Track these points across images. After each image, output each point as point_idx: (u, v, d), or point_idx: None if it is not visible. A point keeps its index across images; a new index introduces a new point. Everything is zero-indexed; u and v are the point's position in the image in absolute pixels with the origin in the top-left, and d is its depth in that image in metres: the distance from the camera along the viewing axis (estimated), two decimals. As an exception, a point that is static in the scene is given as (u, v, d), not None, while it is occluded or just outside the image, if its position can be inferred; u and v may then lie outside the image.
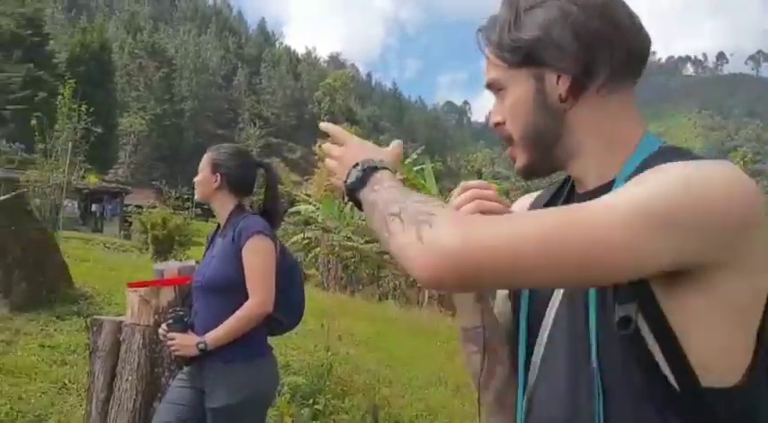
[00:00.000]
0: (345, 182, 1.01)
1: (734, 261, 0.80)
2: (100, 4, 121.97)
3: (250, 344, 2.44)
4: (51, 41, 56.23)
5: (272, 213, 2.65)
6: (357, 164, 1.00)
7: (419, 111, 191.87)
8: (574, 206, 0.84)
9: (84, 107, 17.60)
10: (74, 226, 28.79)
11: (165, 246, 19.50)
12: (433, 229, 0.80)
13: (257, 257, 2.42)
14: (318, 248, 26.30)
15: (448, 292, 1.19)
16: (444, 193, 21.46)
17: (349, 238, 22.87)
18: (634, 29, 0.96)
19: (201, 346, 2.37)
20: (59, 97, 18.05)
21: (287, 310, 2.56)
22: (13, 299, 6.01)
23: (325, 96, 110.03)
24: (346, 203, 28.25)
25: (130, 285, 2.82)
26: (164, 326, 2.45)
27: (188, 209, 36.26)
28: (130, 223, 31.75)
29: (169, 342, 2.41)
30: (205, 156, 2.64)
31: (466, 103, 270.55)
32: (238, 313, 2.38)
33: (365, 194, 0.96)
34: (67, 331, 5.68)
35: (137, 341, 2.69)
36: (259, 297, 2.39)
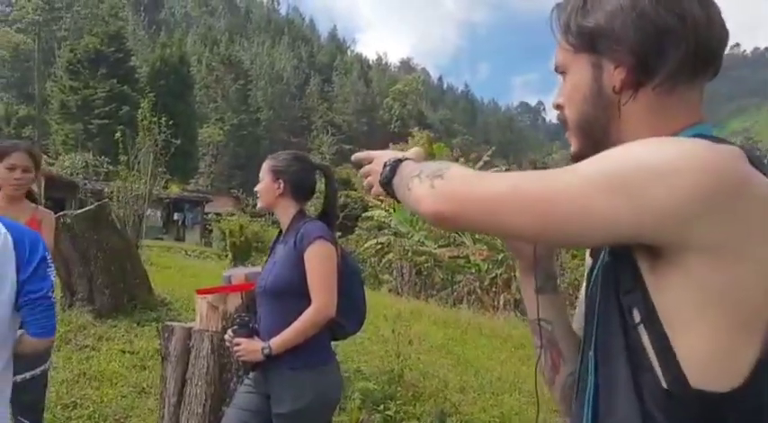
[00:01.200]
0: (381, 181, 1.13)
1: (704, 245, 0.77)
2: (178, 20, 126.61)
3: (314, 349, 2.45)
4: (133, 57, 58.68)
5: (331, 217, 2.66)
6: (386, 163, 1.13)
7: (492, 112, 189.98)
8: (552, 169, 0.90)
9: (163, 119, 18.26)
10: (157, 234, 29.84)
11: (242, 252, 19.99)
12: (444, 179, 0.93)
13: (319, 262, 2.43)
14: (391, 253, 26.37)
15: (447, 229, 1.35)
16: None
17: (422, 243, 22.81)
18: (707, 23, 0.91)
19: (266, 351, 2.40)
20: (140, 111, 18.76)
21: (349, 314, 2.56)
22: (96, 306, 6.27)
23: (395, 102, 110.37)
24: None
25: (200, 292, 2.87)
26: (229, 331, 2.49)
27: (264, 216, 36.97)
28: (211, 231, 32.77)
29: (235, 347, 2.45)
30: (264, 164, 2.67)
31: (540, 103, 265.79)
32: (302, 318, 2.39)
33: (396, 181, 1.09)
34: (146, 337, 5.87)
35: (205, 347, 2.73)
36: (322, 301, 2.39)
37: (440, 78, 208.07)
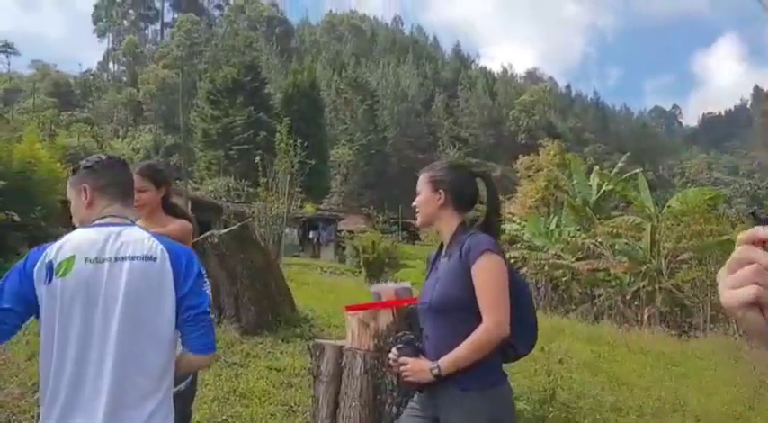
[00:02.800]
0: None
1: None
2: (308, 47, 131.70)
3: (486, 369, 2.25)
4: (268, 85, 61.59)
5: (494, 227, 2.47)
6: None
7: (624, 119, 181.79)
8: None
9: (299, 142, 18.90)
10: (294, 252, 30.87)
11: (375, 268, 20.21)
12: None
13: (489, 276, 2.23)
14: (525, 268, 25.65)
15: None
16: (659, 202, 19.82)
17: (559, 256, 21.99)
18: None
19: (436, 371, 2.23)
20: (277, 135, 19.53)
21: (519, 334, 2.33)
22: (243, 323, 6.41)
23: (521, 113, 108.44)
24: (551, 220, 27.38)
25: (349, 309, 2.75)
26: (394, 350, 2.34)
27: (394, 232, 37.31)
28: (344, 248, 33.48)
29: (401, 368, 2.29)
30: (421, 177, 2.53)
31: (675, 106, 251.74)
32: (474, 337, 2.20)
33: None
34: (291, 353, 5.92)
35: (358, 366, 2.60)
36: (494, 319, 2.19)
37: (567, 86, 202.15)
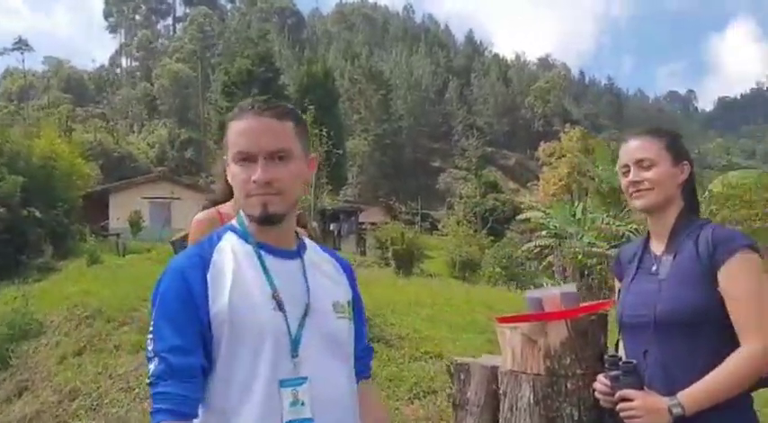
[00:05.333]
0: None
1: None
2: (319, 37, 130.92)
3: (742, 406, 1.68)
4: (282, 76, 61.06)
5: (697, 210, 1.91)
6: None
7: (639, 104, 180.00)
8: None
9: (323, 131, 18.39)
10: (316, 245, 30.39)
11: (404, 260, 19.67)
12: None
13: (750, 283, 1.67)
14: (552, 256, 25.02)
15: None
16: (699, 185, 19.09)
17: (593, 244, 21.30)
18: None
19: (677, 410, 1.65)
20: (302, 124, 19.05)
21: None
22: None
23: (536, 100, 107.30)
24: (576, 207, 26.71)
25: (503, 320, 2.19)
26: (602, 379, 1.78)
27: (416, 223, 36.84)
28: (365, 240, 32.98)
29: (623, 405, 1.73)
30: (645, 142, 1.95)
31: (690, 91, 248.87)
32: (735, 365, 1.64)
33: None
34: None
35: (525, 396, 2.03)
36: (764, 342, 1.62)
37: (581, 73, 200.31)
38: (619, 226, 21.51)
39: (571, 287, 2.20)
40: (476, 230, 31.28)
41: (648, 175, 1.87)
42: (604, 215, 24.01)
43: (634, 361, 1.75)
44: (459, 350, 6.07)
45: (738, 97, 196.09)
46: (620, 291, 2.04)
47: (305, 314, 1.51)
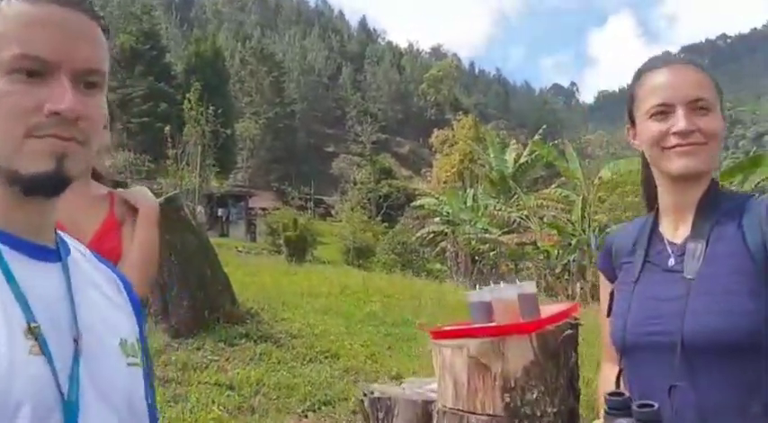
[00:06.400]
0: None
1: None
2: (209, 17, 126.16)
3: None
4: (168, 54, 58.15)
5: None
6: None
7: (526, 95, 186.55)
8: None
9: (211, 109, 17.31)
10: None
11: (297, 247, 18.89)
12: None
13: None
14: (444, 242, 25.07)
15: None
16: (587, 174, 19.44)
17: (485, 230, 21.38)
18: None
19: None
20: (186, 102, 17.90)
21: None
22: (173, 323, 5.05)
23: (429, 88, 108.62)
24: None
25: (439, 335, 1.57)
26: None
27: (309, 209, 36.12)
28: (255, 226, 31.84)
29: None
30: (697, 73, 1.33)
31: (573, 84, 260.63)
32: None
33: None
34: (241, 361, 4.64)
35: (473, 445, 1.42)
36: None
37: (471, 64, 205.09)
38: (510, 212, 21.76)
39: (530, 286, 1.61)
40: (370, 217, 31.01)
41: (704, 123, 1.28)
42: (495, 202, 24.30)
43: (655, 404, 1.14)
44: (358, 349, 5.46)
45: (617, 91, 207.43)
46: (612, 295, 1.45)
47: (75, 356, 0.80)
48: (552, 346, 1.45)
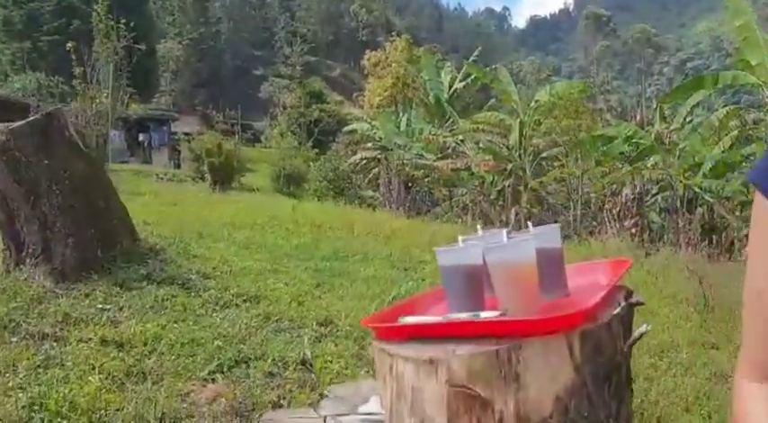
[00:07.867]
0: None
1: None
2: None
3: None
4: (79, -34, 53.79)
5: None
6: None
7: (459, 19, 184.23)
8: None
9: (122, 23, 15.78)
10: (122, 158, 27.49)
11: (222, 174, 17.82)
12: None
13: None
14: (377, 168, 24.38)
15: None
16: (522, 98, 18.90)
17: (420, 156, 20.75)
18: None
19: None
20: (94, 15, 16.27)
21: None
22: (56, 264, 4.19)
23: (361, 8, 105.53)
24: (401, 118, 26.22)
25: (388, 333, 0.84)
26: None
27: (236, 134, 34.72)
28: (179, 152, 30.28)
29: None
30: None
31: (506, 8, 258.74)
32: None
33: None
34: (138, 311, 3.85)
35: None
36: None
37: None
38: (445, 137, 21.15)
39: (553, 233, 0.89)
40: (300, 142, 29.99)
41: None
42: (430, 126, 23.63)
43: None
44: (282, 290, 4.75)
45: (548, 17, 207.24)
46: None
47: None
48: (610, 355, 0.75)
